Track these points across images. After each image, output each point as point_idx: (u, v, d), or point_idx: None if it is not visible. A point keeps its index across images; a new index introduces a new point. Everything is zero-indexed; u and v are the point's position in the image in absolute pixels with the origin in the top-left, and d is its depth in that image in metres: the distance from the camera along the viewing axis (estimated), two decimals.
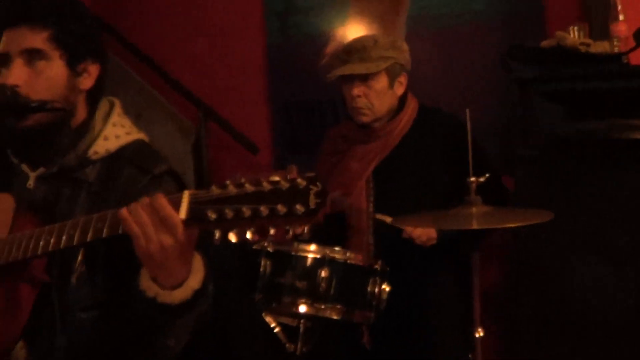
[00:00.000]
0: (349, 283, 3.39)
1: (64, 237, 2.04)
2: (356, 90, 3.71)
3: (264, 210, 1.75)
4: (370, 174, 3.79)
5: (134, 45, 5.74)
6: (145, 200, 1.89)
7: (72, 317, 2.23)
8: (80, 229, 2.01)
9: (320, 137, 4.25)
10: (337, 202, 3.75)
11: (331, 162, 3.95)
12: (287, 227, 1.79)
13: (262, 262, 3.37)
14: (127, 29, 5.89)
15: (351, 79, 3.73)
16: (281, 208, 1.74)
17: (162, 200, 1.87)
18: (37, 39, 2.28)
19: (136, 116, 5.59)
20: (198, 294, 2.00)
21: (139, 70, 5.78)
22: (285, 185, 1.77)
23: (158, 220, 1.86)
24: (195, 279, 2.00)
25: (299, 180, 1.76)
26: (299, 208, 1.73)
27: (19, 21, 2.30)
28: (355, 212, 3.77)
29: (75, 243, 2.01)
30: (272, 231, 1.80)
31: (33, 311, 2.20)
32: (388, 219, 3.52)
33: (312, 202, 1.73)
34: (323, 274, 3.32)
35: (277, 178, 1.79)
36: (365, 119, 3.76)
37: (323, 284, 3.32)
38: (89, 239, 1.99)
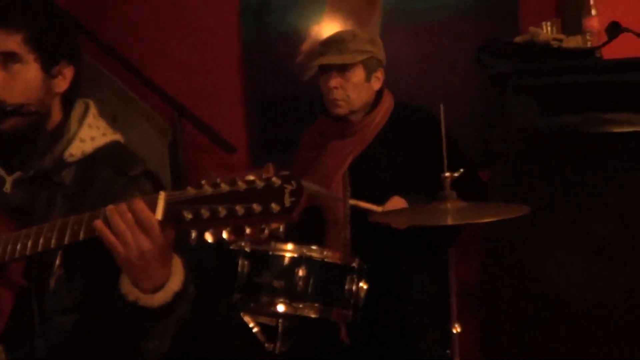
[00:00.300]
0: (326, 281, 3.39)
1: (41, 241, 2.03)
2: (333, 82, 3.74)
3: (239, 209, 1.77)
4: (347, 169, 3.80)
5: (108, 45, 5.71)
6: (122, 206, 1.90)
7: (51, 320, 2.23)
8: (57, 232, 2.01)
9: (297, 136, 4.26)
10: (313, 191, 3.74)
11: (308, 159, 3.96)
12: (263, 226, 1.80)
13: (240, 262, 3.37)
14: (101, 28, 5.86)
15: (328, 70, 3.76)
16: (257, 207, 1.76)
17: (140, 204, 1.88)
18: (12, 42, 2.27)
19: (112, 117, 5.54)
20: (178, 296, 2.01)
21: (114, 70, 5.76)
22: (260, 184, 1.78)
23: (135, 225, 1.87)
24: (175, 281, 2.01)
25: (274, 179, 1.77)
26: (275, 207, 1.74)
27: None
28: (332, 206, 3.78)
29: (52, 246, 2.01)
30: (248, 230, 1.81)
31: (11, 315, 2.19)
32: (362, 204, 3.54)
33: (288, 200, 1.75)
34: (300, 272, 3.33)
35: (252, 177, 1.80)
36: (340, 111, 3.78)
37: (300, 283, 3.32)
38: (66, 241, 1.99)
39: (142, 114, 5.60)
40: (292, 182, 1.76)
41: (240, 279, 3.39)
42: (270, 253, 3.38)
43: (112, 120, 5.51)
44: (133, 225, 1.87)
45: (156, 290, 1.98)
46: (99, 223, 1.91)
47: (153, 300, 1.98)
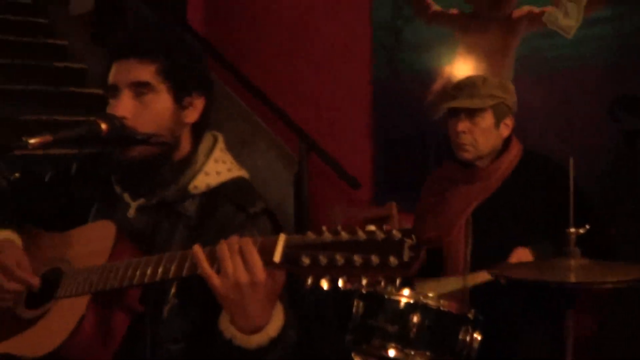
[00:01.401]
0: (440, 330, 3.33)
1: (160, 270, 2.06)
2: (461, 126, 3.69)
3: (357, 259, 1.75)
4: (470, 215, 3.75)
5: (241, 73, 5.81)
6: (232, 238, 1.92)
7: (162, 348, 2.26)
8: (177, 263, 2.04)
9: (422, 175, 4.23)
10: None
11: (431, 203, 3.92)
12: (379, 279, 1.79)
13: (355, 303, 3.36)
14: (236, 56, 5.98)
15: (458, 114, 3.72)
16: (375, 259, 1.74)
17: (246, 239, 1.91)
18: (145, 72, 2.33)
19: (241, 144, 5.68)
20: (274, 342, 2.01)
21: (245, 98, 5.85)
22: (380, 235, 1.76)
23: (237, 256, 1.89)
24: (273, 327, 2.01)
25: (395, 232, 1.75)
26: (393, 260, 1.72)
27: (128, 53, 2.36)
28: (453, 254, 3.73)
29: (170, 276, 2.04)
30: (364, 281, 1.80)
31: (124, 340, 2.23)
32: (480, 278, 3.47)
33: (407, 255, 1.72)
34: (415, 319, 3.29)
35: (373, 228, 1.79)
36: (467, 156, 3.73)
37: (414, 329, 3.28)
38: (184, 274, 2.02)
39: (270, 143, 5.67)
40: (413, 236, 1.74)
41: (354, 319, 3.37)
42: (386, 297, 3.36)
43: (241, 146, 5.69)
44: (235, 256, 1.89)
45: (253, 332, 1.99)
46: (198, 249, 1.95)
47: (248, 341, 1.99)
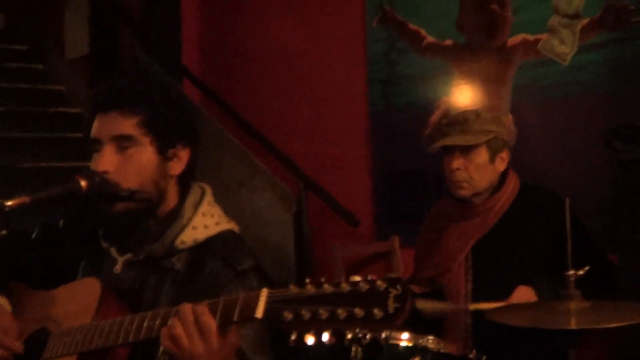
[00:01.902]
0: None
1: (144, 328, 2.03)
2: (455, 163, 3.64)
3: (341, 313, 1.71)
4: (469, 252, 3.70)
5: (237, 113, 5.80)
6: (187, 309, 1.91)
7: None
8: (161, 320, 2.00)
9: (424, 208, 4.19)
10: (436, 310, 3.65)
11: (429, 240, 3.87)
12: (365, 332, 1.76)
13: (353, 349, 3.30)
14: (232, 96, 5.98)
15: (452, 151, 3.67)
16: (359, 312, 1.70)
17: (202, 308, 1.90)
18: (128, 125, 2.30)
19: (239, 184, 5.66)
20: None
21: (242, 138, 5.83)
22: (364, 287, 1.72)
23: (194, 329, 1.89)
24: None
25: (379, 282, 1.72)
26: (377, 312, 1.69)
27: (110, 107, 2.33)
28: (454, 292, 3.68)
29: (153, 335, 2.00)
30: (348, 335, 1.77)
31: None
32: (485, 306, 3.42)
33: (391, 306, 1.68)
34: None
35: (357, 278, 1.75)
36: (463, 193, 3.68)
37: None
38: None
39: (268, 183, 5.65)
40: (398, 286, 1.70)
41: None
42: (385, 342, 3.30)
43: (239, 186, 5.66)
44: (190, 328, 1.89)
45: None
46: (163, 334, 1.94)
47: None
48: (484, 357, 3.33)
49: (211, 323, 1.87)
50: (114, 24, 7.23)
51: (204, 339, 1.87)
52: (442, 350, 3.29)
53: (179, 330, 1.90)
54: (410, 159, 5.35)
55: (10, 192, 5.60)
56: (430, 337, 3.31)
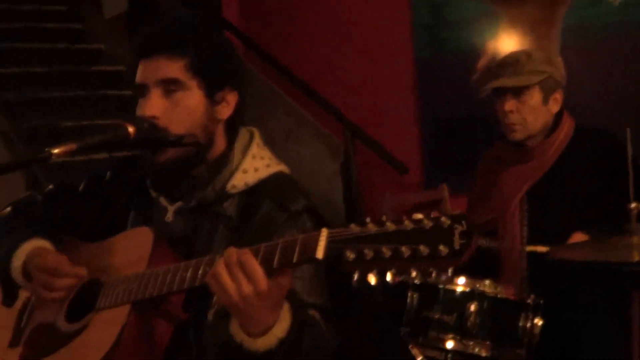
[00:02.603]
0: (499, 318, 3.25)
1: (199, 273, 1.99)
2: (508, 105, 3.57)
3: (405, 250, 1.66)
4: (524, 196, 3.63)
5: (281, 64, 5.75)
6: (232, 254, 1.86)
7: (209, 354, 2.16)
8: None
9: (472, 155, 4.12)
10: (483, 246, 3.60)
11: (484, 184, 3.82)
12: (430, 269, 1.69)
13: (409, 295, 3.28)
14: (275, 48, 5.92)
15: (503, 93, 3.59)
16: (423, 249, 1.64)
17: (247, 254, 1.85)
18: (174, 69, 2.24)
19: (285, 136, 5.62)
20: (283, 342, 1.94)
21: (287, 89, 5.79)
22: (428, 224, 1.66)
23: (241, 274, 1.84)
24: (280, 328, 1.94)
25: (443, 218, 1.65)
26: (443, 249, 1.63)
27: (155, 50, 2.27)
28: (509, 237, 3.61)
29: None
30: (413, 273, 1.71)
31: (169, 349, 2.16)
32: (541, 249, 3.36)
33: (457, 242, 1.63)
34: (472, 308, 3.20)
35: (420, 216, 1.69)
36: (517, 136, 3.61)
37: (472, 319, 3.20)
38: None
39: (315, 134, 5.63)
40: (463, 222, 1.63)
41: (408, 312, 3.30)
42: (441, 287, 3.26)
43: (286, 138, 5.62)
44: (235, 270, 1.84)
45: (260, 335, 1.92)
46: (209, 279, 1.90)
47: (256, 344, 1.93)
48: (541, 301, 3.28)
49: (254, 263, 1.83)
50: None
51: (250, 280, 1.83)
52: (499, 295, 3.26)
53: (222, 271, 1.86)
54: (458, 106, 5.28)
55: None
56: (487, 282, 3.27)
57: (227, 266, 1.85)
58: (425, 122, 5.46)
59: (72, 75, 7.23)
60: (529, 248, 3.47)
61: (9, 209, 2.58)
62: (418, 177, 5.51)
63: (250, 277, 1.83)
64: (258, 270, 1.82)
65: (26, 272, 2.33)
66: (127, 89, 6.97)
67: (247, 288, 1.83)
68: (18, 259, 2.34)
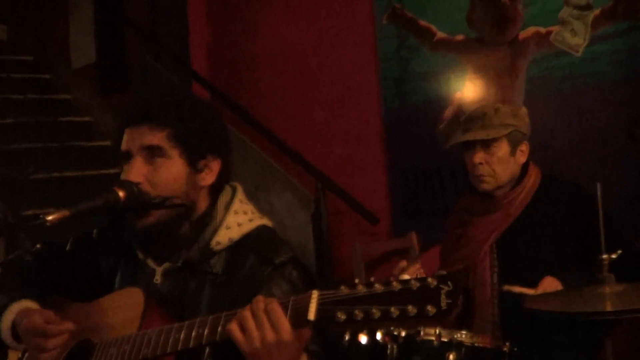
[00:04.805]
0: None
1: (193, 335, 2.04)
2: (477, 157, 3.67)
3: (394, 311, 1.73)
4: (494, 244, 3.71)
5: (251, 116, 5.80)
6: (259, 305, 1.90)
7: None
8: (210, 327, 2.01)
9: (440, 204, 4.21)
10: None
11: (455, 235, 3.89)
12: (418, 329, 1.77)
13: (389, 346, 3.31)
14: (244, 99, 5.98)
15: (473, 146, 3.70)
16: (412, 309, 1.72)
17: (276, 307, 1.88)
18: (157, 137, 2.31)
19: (255, 187, 5.67)
20: None
21: (257, 140, 5.84)
22: (415, 285, 1.74)
23: (267, 322, 1.87)
24: None
25: (430, 279, 1.74)
26: (430, 309, 1.71)
27: (139, 120, 2.34)
28: (479, 284, 3.69)
29: (204, 342, 2.02)
30: (402, 333, 1.78)
31: None
32: (516, 289, 3.43)
33: (444, 302, 1.71)
34: (451, 357, 3.24)
35: (407, 277, 1.77)
36: (486, 187, 3.71)
37: None
38: (218, 338, 2.00)
39: (285, 184, 5.68)
40: (449, 282, 1.71)
41: None
42: (420, 337, 3.31)
43: (255, 189, 5.67)
44: (261, 317, 1.88)
45: None
46: (233, 326, 1.93)
47: None
48: (515, 349, 3.35)
49: (282, 315, 1.87)
50: (120, 31, 7.21)
51: (274, 329, 1.87)
52: (476, 344, 3.31)
53: (248, 315, 1.90)
54: (425, 156, 5.36)
55: (25, 205, 5.61)
56: (464, 332, 3.32)
57: (254, 313, 1.90)
58: (394, 172, 5.52)
59: (41, 126, 7.21)
60: (506, 287, 3.53)
61: None
62: (386, 225, 5.55)
63: (274, 326, 1.87)
64: (284, 320, 1.87)
65: (15, 333, 2.37)
66: (95, 140, 7.02)
67: (270, 336, 1.87)
68: (7, 321, 2.38)
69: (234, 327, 1.92)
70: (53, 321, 2.30)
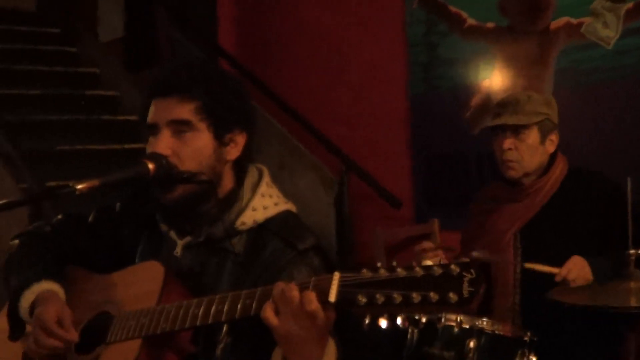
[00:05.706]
0: (496, 354, 3.28)
1: (212, 311, 2.04)
2: (507, 143, 3.66)
3: (415, 297, 1.72)
4: (517, 232, 3.70)
5: (277, 95, 5.78)
6: (294, 292, 1.88)
7: None
8: (229, 304, 2.01)
9: (463, 191, 4.19)
10: (484, 259, 3.64)
11: (478, 222, 3.88)
12: (439, 315, 1.76)
13: (409, 330, 3.31)
14: (270, 78, 5.96)
15: (503, 131, 3.68)
16: (433, 296, 1.71)
17: (311, 296, 1.86)
18: (185, 110, 2.30)
19: (279, 167, 5.66)
20: None
21: (282, 120, 5.83)
22: (438, 271, 1.73)
23: (301, 313, 1.86)
24: None
25: (453, 266, 1.73)
26: (452, 296, 1.70)
27: (167, 92, 2.33)
28: (502, 274, 3.67)
29: (223, 319, 2.02)
30: (423, 318, 1.77)
31: None
32: (539, 267, 3.41)
33: (466, 290, 1.70)
34: (471, 344, 3.24)
35: (430, 263, 1.75)
36: (513, 173, 3.69)
37: (470, 355, 3.23)
38: (237, 315, 2.00)
39: (309, 165, 5.66)
40: (472, 270, 1.70)
41: (408, 347, 3.29)
42: (441, 323, 3.30)
43: (279, 168, 5.66)
44: (299, 313, 1.87)
45: None
46: (268, 310, 1.91)
47: None
48: (537, 339, 3.33)
49: (319, 310, 1.85)
50: (148, 5, 7.20)
51: (311, 321, 1.86)
52: (497, 332, 3.30)
53: (284, 296, 1.88)
54: (450, 142, 5.34)
55: (47, 176, 5.60)
56: (485, 319, 3.31)
57: (289, 294, 1.88)
58: (418, 158, 5.51)
59: (67, 99, 7.23)
60: (527, 265, 3.51)
61: (17, 241, 2.60)
62: (409, 211, 5.54)
63: (306, 308, 1.85)
64: (316, 302, 1.85)
65: (33, 312, 2.36)
66: (121, 114, 7.02)
67: (303, 318, 1.86)
68: (27, 300, 2.37)
69: (268, 310, 1.91)
70: (64, 324, 2.28)
